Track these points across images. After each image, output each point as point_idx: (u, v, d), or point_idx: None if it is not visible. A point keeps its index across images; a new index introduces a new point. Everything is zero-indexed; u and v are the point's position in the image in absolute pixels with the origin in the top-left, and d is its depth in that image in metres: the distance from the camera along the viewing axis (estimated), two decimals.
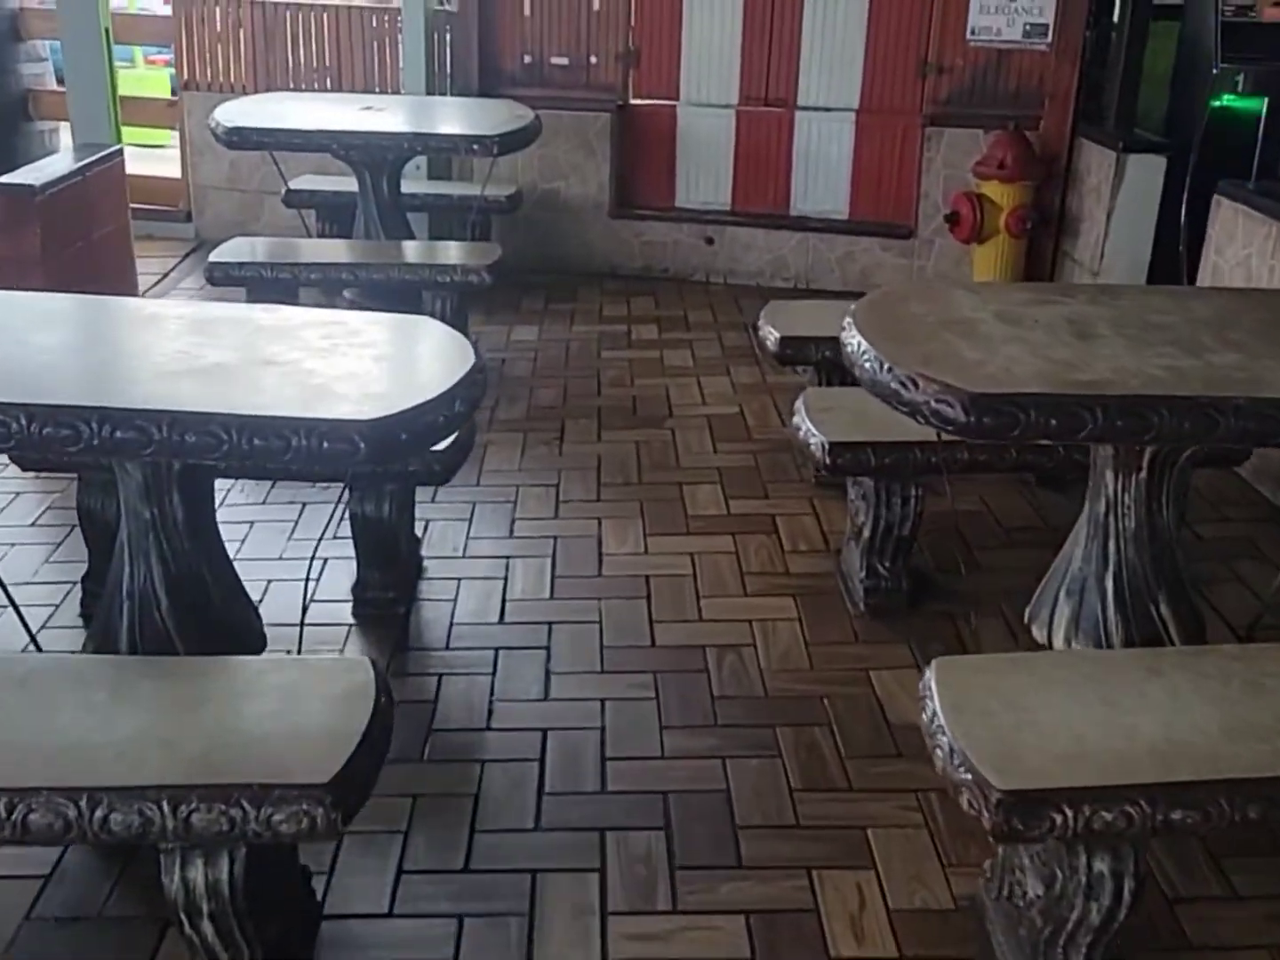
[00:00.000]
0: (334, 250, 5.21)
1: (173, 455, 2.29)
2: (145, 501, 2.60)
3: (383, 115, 5.61)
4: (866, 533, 3.45)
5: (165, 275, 6.48)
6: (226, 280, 4.89)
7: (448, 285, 4.91)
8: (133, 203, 7.12)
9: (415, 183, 6.26)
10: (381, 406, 2.33)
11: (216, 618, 2.72)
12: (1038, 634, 2.87)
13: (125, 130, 5.87)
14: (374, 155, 5.35)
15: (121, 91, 11.57)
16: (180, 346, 2.66)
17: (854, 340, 2.67)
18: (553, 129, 6.46)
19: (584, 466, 4.37)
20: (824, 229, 6.52)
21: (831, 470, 3.34)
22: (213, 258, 4.91)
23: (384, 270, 4.90)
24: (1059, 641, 2.81)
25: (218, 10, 6.88)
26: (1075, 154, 5.95)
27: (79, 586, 3.46)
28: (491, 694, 3.10)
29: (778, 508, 4.08)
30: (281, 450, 2.27)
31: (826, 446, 3.32)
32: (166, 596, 2.65)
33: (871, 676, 3.18)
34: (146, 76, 11.77)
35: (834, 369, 4.15)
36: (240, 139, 5.12)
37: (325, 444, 2.27)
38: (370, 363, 2.65)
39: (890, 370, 2.48)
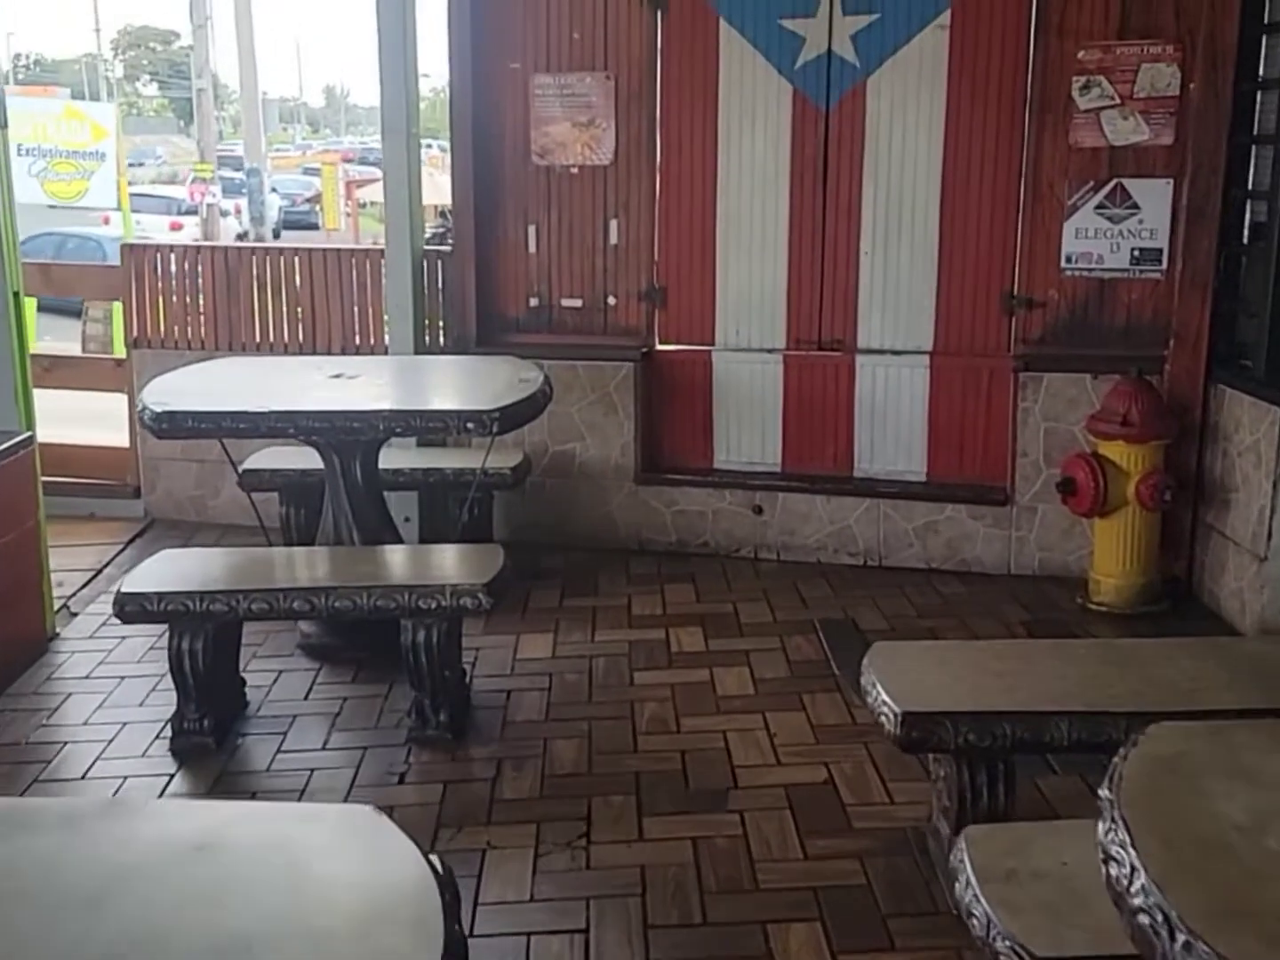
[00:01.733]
0: (287, 567, 4.04)
1: None
2: None
3: (356, 385, 4.53)
4: None
5: (98, 572, 5.32)
6: (142, 616, 3.73)
7: (434, 612, 3.73)
8: (74, 477, 6.11)
9: (402, 453, 5.18)
10: None
11: None
12: None
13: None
14: (343, 438, 4.26)
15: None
16: None
17: (1153, 908, 1.44)
18: (566, 383, 5.42)
19: (622, 890, 3.07)
20: (897, 494, 5.37)
21: None
22: (125, 586, 3.75)
23: (351, 596, 3.72)
24: None
25: (173, 256, 5.91)
26: (1211, 403, 4.83)
27: None
28: None
29: None
30: None
31: (1025, 956, 2.05)
32: None
33: None
34: None
35: (978, 757, 2.91)
36: (172, 426, 4.02)
37: None
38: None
39: None
